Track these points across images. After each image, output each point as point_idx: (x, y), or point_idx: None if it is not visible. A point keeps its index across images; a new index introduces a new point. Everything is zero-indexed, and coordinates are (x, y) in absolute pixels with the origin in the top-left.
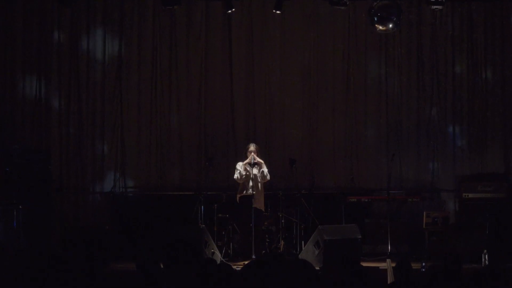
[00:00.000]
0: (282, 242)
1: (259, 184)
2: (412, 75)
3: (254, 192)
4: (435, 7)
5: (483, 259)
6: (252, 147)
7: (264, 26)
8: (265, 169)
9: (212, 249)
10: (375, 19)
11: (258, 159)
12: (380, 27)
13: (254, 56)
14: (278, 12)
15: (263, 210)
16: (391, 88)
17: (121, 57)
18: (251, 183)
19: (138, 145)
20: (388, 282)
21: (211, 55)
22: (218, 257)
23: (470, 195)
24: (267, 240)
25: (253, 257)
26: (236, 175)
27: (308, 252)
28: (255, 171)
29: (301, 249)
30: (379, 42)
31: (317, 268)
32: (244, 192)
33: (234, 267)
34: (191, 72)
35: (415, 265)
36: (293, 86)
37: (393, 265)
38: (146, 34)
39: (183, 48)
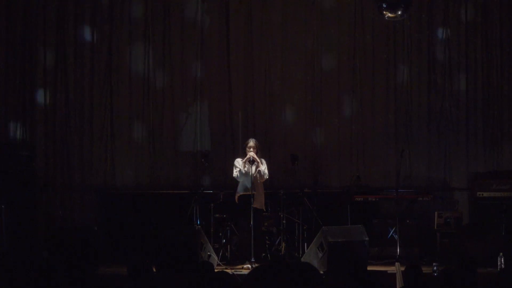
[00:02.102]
0: (283, 244)
1: (259, 183)
2: (423, 65)
3: (253, 191)
4: None
5: (498, 263)
6: (251, 142)
7: (264, 13)
8: (261, 168)
9: (209, 251)
10: (383, 5)
11: (256, 158)
12: (389, 14)
13: (254, 44)
14: None
15: (263, 210)
16: (400, 80)
17: (111, 47)
18: (250, 182)
19: (129, 140)
20: (397, 287)
21: (207, 44)
22: (215, 260)
23: (485, 194)
24: (267, 242)
25: (252, 260)
26: (235, 173)
27: (311, 255)
28: (254, 168)
29: (303, 251)
30: (387, 30)
31: (321, 272)
32: (243, 191)
33: (232, 271)
34: (185, 62)
35: (425, 269)
36: (295, 78)
37: (402, 269)
38: (138, 22)
39: (177, 36)
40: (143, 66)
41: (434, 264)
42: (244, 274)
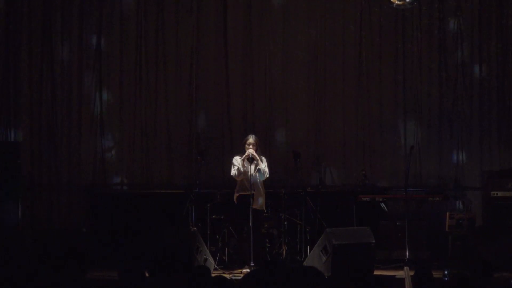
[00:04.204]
0: (284, 247)
1: (259, 182)
2: (433, 57)
3: (253, 191)
4: None
5: None
6: (251, 139)
7: (264, 2)
8: (261, 166)
9: (205, 255)
10: None
11: (256, 155)
12: (397, 2)
13: (253, 35)
14: None
15: (263, 210)
16: (409, 73)
17: (101, 36)
18: (250, 181)
19: (120, 136)
20: None
21: (203, 34)
22: (212, 264)
23: (500, 194)
24: (268, 245)
25: (252, 264)
26: (233, 172)
27: (315, 259)
28: (254, 167)
29: (306, 255)
30: (395, 20)
31: (325, 276)
32: (242, 190)
33: (230, 275)
34: (180, 54)
35: (436, 274)
36: (298, 70)
37: (412, 273)
38: (130, 10)
39: (172, 25)
40: (135, 58)
41: (445, 268)
42: None
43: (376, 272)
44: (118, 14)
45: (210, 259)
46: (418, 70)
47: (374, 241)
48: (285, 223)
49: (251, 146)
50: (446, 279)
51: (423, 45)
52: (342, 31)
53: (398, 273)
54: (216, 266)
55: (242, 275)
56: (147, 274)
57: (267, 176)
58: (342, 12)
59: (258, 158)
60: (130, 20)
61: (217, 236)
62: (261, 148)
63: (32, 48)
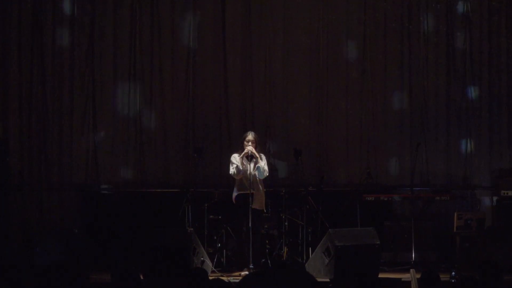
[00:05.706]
0: (285, 249)
1: (258, 181)
2: (441, 50)
3: (252, 190)
4: None
5: None
6: (250, 136)
7: None
8: (261, 164)
9: (202, 257)
10: None
11: (255, 153)
12: None
13: (252, 28)
14: None
15: (263, 210)
16: (415, 67)
17: (93, 30)
18: (249, 179)
19: (113, 133)
20: None
21: (201, 27)
22: (209, 266)
23: (510, 193)
24: (268, 246)
25: (251, 266)
26: (232, 170)
27: (317, 261)
28: (253, 165)
29: (308, 257)
30: (401, 12)
31: (328, 279)
32: (241, 189)
33: (228, 278)
34: (177, 48)
35: (444, 276)
36: (299, 64)
37: (418, 276)
38: (124, 3)
39: (168, 18)
40: (128, 52)
41: (452, 270)
42: None
43: (381, 275)
44: (111, 6)
45: (208, 261)
46: (425, 64)
47: (378, 242)
48: (286, 223)
49: (250, 143)
50: (453, 280)
51: (430, 36)
52: (345, 24)
53: (404, 276)
54: (213, 269)
55: (241, 277)
56: (142, 277)
57: (267, 174)
58: (345, 3)
59: (257, 155)
60: (124, 13)
61: (215, 237)
62: (260, 146)
63: (22, 42)
